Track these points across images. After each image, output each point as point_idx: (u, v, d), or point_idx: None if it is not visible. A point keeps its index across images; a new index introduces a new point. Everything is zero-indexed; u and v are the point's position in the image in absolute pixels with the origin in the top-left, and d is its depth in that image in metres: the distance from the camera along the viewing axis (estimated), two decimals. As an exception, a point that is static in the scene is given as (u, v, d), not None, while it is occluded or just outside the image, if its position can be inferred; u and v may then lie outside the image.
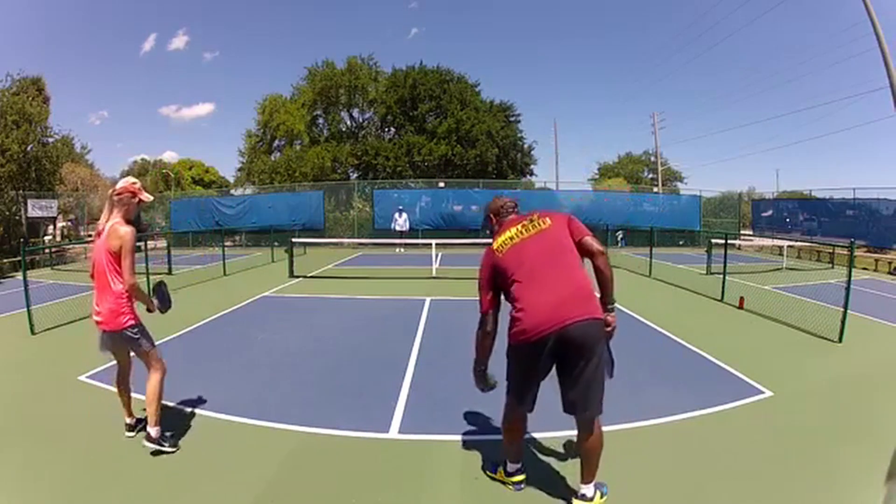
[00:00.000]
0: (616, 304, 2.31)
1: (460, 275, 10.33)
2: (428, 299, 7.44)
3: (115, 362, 3.08)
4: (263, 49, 63.87)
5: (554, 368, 2.23)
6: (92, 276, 2.84)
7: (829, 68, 58.93)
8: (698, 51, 60.80)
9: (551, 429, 3.02)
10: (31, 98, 17.45)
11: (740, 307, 6.93)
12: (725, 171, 77.15)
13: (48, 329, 5.76)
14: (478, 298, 2.43)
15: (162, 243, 15.27)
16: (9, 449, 2.93)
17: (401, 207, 17.16)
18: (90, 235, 20.32)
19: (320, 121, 27.94)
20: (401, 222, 16.75)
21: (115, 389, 3.11)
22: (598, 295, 2.24)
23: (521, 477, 2.51)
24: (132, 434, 3.03)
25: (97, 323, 2.81)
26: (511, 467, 2.53)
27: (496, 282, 2.32)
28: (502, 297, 2.36)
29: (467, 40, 60.64)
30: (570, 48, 64.97)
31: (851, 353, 4.90)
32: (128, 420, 3.06)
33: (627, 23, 65.68)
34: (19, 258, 7.31)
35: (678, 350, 4.98)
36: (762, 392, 3.77)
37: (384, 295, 8.03)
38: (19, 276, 7.95)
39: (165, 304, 3.13)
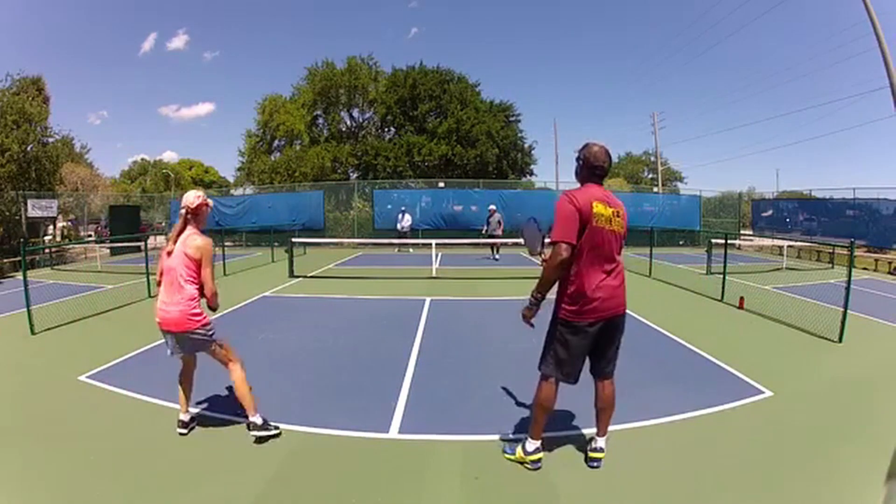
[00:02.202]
0: None
1: (460, 275, 10.33)
2: (428, 299, 7.44)
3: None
4: (263, 49, 64.09)
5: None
6: (159, 284, 2.93)
7: (829, 68, 59.07)
8: (698, 51, 60.75)
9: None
10: (31, 98, 17.48)
11: (740, 307, 6.93)
12: (725, 171, 77.42)
13: (48, 329, 5.76)
14: (553, 229, 2.44)
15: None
16: (9, 449, 2.93)
17: (403, 208, 17.01)
18: (90, 235, 20.35)
19: (320, 121, 27.95)
20: (405, 223, 16.56)
21: (115, 389, 3.11)
22: None
23: (540, 455, 2.65)
24: (185, 431, 3.06)
25: (162, 324, 2.86)
26: (531, 445, 2.66)
27: (582, 229, 2.40)
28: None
29: (467, 40, 60.81)
30: (570, 48, 65.06)
31: (851, 353, 4.90)
32: (182, 416, 3.09)
33: (628, 23, 65.73)
34: (19, 258, 7.30)
35: (678, 350, 4.98)
36: (762, 392, 3.77)
37: (384, 295, 8.03)
38: (19, 276, 7.95)
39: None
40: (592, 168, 2.55)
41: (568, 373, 2.55)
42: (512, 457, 2.74)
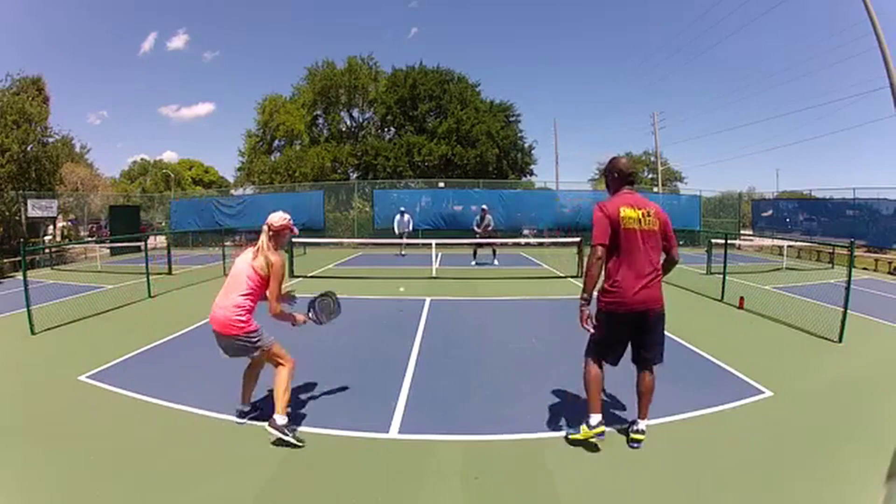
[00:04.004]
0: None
1: (460, 275, 10.33)
2: (428, 299, 7.44)
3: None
4: (263, 49, 64.10)
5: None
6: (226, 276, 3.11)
7: (829, 68, 59.08)
8: (698, 51, 60.81)
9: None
10: (31, 98, 17.47)
11: (740, 307, 6.93)
12: (725, 171, 77.33)
13: (48, 329, 5.75)
14: (592, 235, 2.80)
15: (162, 242, 15.27)
16: (9, 449, 2.93)
17: (403, 209, 15.48)
18: (91, 235, 20.35)
19: (320, 121, 27.98)
20: (404, 225, 14.63)
21: (115, 389, 3.13)
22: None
23: (603, 428, 2.85)
24: (242, 421, 3.18)
25: (211, 321, 2.97)
26: (594, 419, 2.85)
27: (611, 233, 2.74)
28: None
29: (467, 40, 60.81)
30: (570, 48, 65.06)
31: (851, 353, 4.90)
32: (241, 406, 3.23)
33: (628, 23, 65.75)
34: (19, 258, 7.30)
35: (678, 350, 4.97)
36: (762, 392, 3.77)
37: (384, 295, 8.02)
38: (19, 276, 7.95)
39: (323, 317, 3.32)
40: (625, 176, 2.90)
41: (606, 355, 2.88)
42: (577, 435, 2.90)
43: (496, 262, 12.18)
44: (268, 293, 2.94)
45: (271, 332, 3.06)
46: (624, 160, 2.94)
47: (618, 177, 2.90)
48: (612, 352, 2.87)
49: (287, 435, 2.88)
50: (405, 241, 14.37)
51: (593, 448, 2.89)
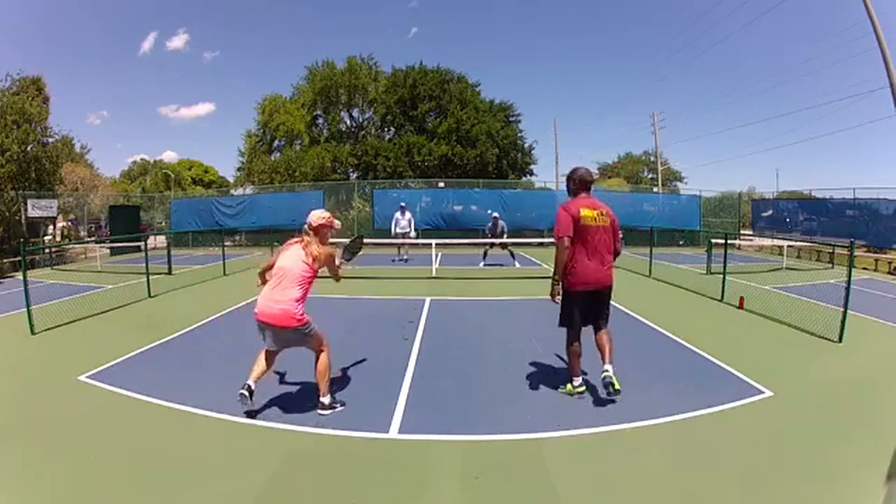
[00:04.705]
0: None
1: (460, 275, 10.33)
2: (428, 299, 7.44)
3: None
4: (263, 49, 64.03)
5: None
6: (262, 275, 3.44)
7: (829, 68, 59.03)
8: (698, 51, 60.79)
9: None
10: (31, 98, 17.47)
11: (740, 307, 6.93)
12: (725, 171, 77.43)
13: (48, 329, 5.75)
14: (555, 230, 3.47)
15: (162, 242, 15.28)
16: (9, 449, 2.93)
17: (403, 204, 13.17)
18: (91, 236, 20.35)
19: (320, 121, 27.93)
20: (403, 223, 12.73)
21: (115, 389, 3.12)
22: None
23: (584, 388, 3.62)
24: (245, 393, 3.13)
25: (262, 316, 3.12)
26: (577, 381, 3.61)
27: (574, 228, 3.40)
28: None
29: (467, 40, 60.81)
30: (569, 48, 65.09)
31: (851, 353, 4.90)
32: (250, 382, 3.18)
33: (628, 23, 65.79)
34: (19, 258, 7.30)
35: (678, 350, 4.98)
36: (762, 392, 3.77)
37: (384, 295, 8.02)
38: (19, 276, 7.95)
39: (350, 254, 3.75)
40: (584, 183, 3.58)
41: (573, 324, 3.57)
42: (564, 390, 3.67)
43: (517, 263, 11.80)
44: (331, 274, 3.35)
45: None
46: (583, 170, 3.62)
47: (578, 183, 3.57)
48: (577, 321, 3.56)
49: (336, 407, 3.32)
50: (409, 240, 12.77)
51: (593, 447, 2.89)
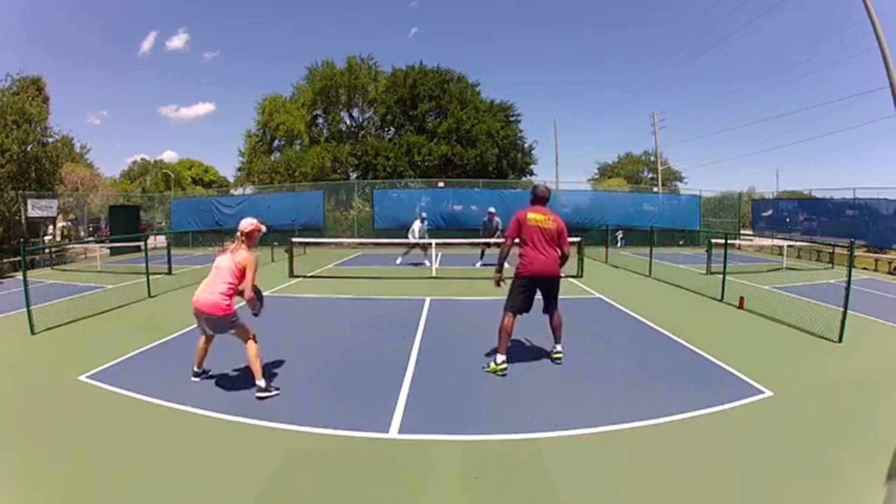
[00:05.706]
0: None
1: (460, 275, 10.33)
2: (428, 299, 7.44)
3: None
4: (263, 49, 64.04)
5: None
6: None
7: (828, 68, 58.99)
8: (698, 51, 60.75)
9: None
10: (31, 98, 17.46)
11: (740, 307, 6.93)
12: (725, 171, 77.39)
13: (48, 329, 5.75)
14: (502, 244, 4.40)
15: (162, 242, 15.27)
16: (9, 449, 2.93)
17: (424, 215, 12.83)
18: (91, 236, 20.35)
19: (320, 121, 27.94)
20: (423, 230, 12.07)
21: (115, 389, 3.14)
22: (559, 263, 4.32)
23: (506, 366, 4.11)
24: (196, 379, 3.94)
25: (196, 303, 3.65)
26: (500, 359, 4.12)
27: (520, 230, 4.20)
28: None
29: (467, 40, 60.83)
30: (570, 48, 65.10)
31: (851, 353, 4.90)
32: (196, 369, 3.96)
33: (628, 23, 65.80)
34: (19, 258, 7.30)
35: (678, 350, 4.98)
36: (762, 392, 3.77)
37: (384, 295, 8.03)
38: (19, 275, 7.95)
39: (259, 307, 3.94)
40: (540, 198, 4.34)
41: (519, 308, 4.21)
42: (488, 369, 4.14)
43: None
44: (246, 279, 3.64)
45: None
46: (542, 188, 4.43)
47: (536, 196, 4.35)
48: (521, 304, 4.20)
49: (272, 392, 3.64)
50: (421, 240, 12.04)
51: (593, 447, 2.90)
